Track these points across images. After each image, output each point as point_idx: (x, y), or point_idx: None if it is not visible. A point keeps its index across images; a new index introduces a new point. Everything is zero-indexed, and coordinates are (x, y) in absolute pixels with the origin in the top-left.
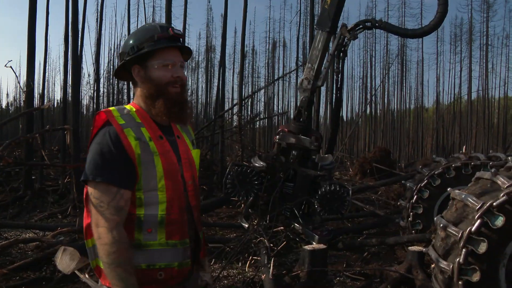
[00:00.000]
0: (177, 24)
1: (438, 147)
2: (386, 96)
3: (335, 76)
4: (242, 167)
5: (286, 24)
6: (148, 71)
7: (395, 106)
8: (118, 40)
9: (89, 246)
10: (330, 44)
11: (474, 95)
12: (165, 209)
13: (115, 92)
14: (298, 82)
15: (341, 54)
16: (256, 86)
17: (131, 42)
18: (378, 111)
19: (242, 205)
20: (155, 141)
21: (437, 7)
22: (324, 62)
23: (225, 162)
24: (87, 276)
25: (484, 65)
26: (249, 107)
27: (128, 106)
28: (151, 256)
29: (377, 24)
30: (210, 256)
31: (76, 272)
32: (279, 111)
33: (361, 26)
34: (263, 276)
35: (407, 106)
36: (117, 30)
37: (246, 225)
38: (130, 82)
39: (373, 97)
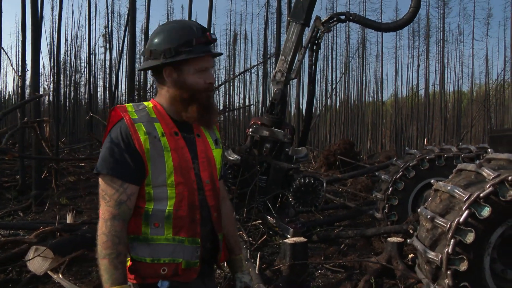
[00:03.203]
0: (138, 15)
1: (397, 139)
2: (346, 89)
3: (308, 69)
4: None
5: (248, 17)
6: (183, 75)
7: (355, 99)
8: (76, 31)
9: None
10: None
11: (431, 89)
12: (173, 204)
13: (73, 84)
14: (271, 74)
15: (315, 46)
16: (217, 79)
17: (165, 43)
18: (338, 104)
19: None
20: (168, 137)
21: (411, 2)
22: (298, 55)
23: None
24: (60, 276)
25: (440, 60)
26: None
27: (146, 103)
28: (156, 250)
29: (351, 17)
30: None
31: (49, 272)
32: (240, 104)
33: (335, 19)
34: None
35: (367, 99)
36: (74, 20)
37: None
38: (153, 77)
39: (334, 90)
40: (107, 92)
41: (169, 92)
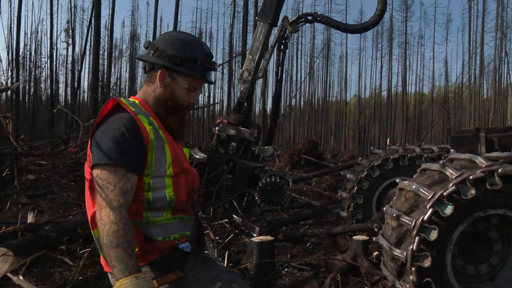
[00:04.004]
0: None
1: (360, 139)
2: (310, 89)
3: (275, 68)
4: None
5: (214, 15)
6: (174, 84)
7: (319, 99)
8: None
9: (96, 236)
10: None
11: (393, 90)
12: (172, 191)
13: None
14: (238, 73)
15: (282, 46)
16: None
17: (175, 49)
18: (302, 103)
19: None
20: (162, 131)
21: (377, 5)
22: (265, 54)
23: None
24: (21, 277)
25: (402, 62)
26: None
27: (131, 99)
28: (163, 228)
29: (318, 18)
30: None
31: (9, 274)
32: (205, 102)
33: (302, 19)
34: None
35: (331, 99)
36: (35, 13)
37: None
38: (145, 69)
39: (298, 90)
40: (69, 88)
41: (155, 92)
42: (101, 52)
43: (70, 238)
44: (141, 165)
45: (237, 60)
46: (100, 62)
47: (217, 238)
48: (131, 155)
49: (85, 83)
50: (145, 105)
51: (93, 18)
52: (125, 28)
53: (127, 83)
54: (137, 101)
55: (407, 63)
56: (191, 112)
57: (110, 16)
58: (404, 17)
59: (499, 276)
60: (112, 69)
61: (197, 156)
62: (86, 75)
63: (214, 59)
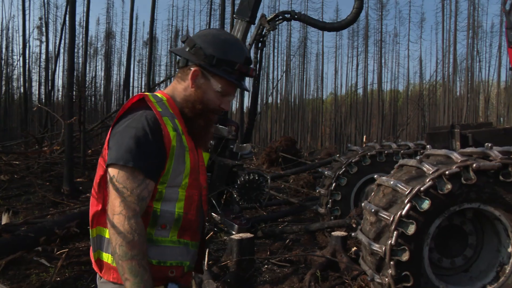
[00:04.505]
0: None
1: (337, 136)
2: (287, 87)
3: (252, 66)
4: None
5: (190, 13)
6: (207, 86)
7: (296, 97)
8: (7, 20)
9: (93, 236)
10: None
11: (369, 88)
12: (183, 207)
13: (4, 78)
14: None
15: (260, 44)
16: (158, 75)
17: (214, 49)
18: (279, 101)
19: None
20: (185, 136)
21: (354, 3)
22: None
23: None
24: None
25: (378, 60)
26: None
27: (158, 94)
28: (162, 252)
29: (296, 16)
30: None
31: None
32: None
33: (280, 17)
34: None
35: (307, 97)
36: (5, 9)
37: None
38: (178, 64)
39: (275, 88)
40: (43, 87)
41: (186, 91)
42: (75, 50)
43: (47, 238)
44: (160, 171)
45: None
46: (75, 60)
47: None
48: (152, 159)
49: (59, 82)
50: (172, 103)
51: (67, 15)
52: (100, 25)
53: (102, 82)
54: (164, 98)
55: (383, 61)
56: None
57: (85, 13)
58: (380, 15)
59: (473, 268)
60: (87, 67)
61: None
62: (61, 73)
63: (253, 68)
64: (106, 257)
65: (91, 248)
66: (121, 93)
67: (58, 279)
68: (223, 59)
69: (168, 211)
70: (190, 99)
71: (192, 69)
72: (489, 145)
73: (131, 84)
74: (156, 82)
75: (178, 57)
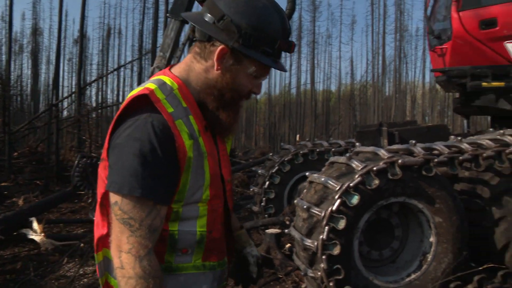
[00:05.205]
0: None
1: (271, 136)
2: None
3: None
4: (91, 158)
5: (123, 11)
6: (238, 69)
7: None
8: None
9: (100, 260)
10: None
11: (302, 88)
12: (206, 225)
13: None
14: (149, 71)
15: (194, 44)
16: (90, 74)
17: (248, 23)
18: None
19: (90, 198)
20: (203, 136)
21: (287, 4)
22: (176, 52)
23: (71, 155)
24: None
25: (311, 60)
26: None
27: (167, 80)
28: (185, 282)
29: None
30: (64, 256)
31: None
32: (114, 101)
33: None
34: None
35: None
36: None
37: (94, 219)
38: (193, 31)
39: None
40: None
41: (208, 73)
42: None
43: None
44: (173, 192)
45: (147, 57)
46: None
47: None
48: (162, 181)
49: None
50: (186, 91)
51: None
52: (26, 21)
53: (29, 81)
54: (175, 86)
55: (315, 62)
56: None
57: (8, 7)
58: (313, 17)
59: (399, 259)
60: (12, 65)
61: None
62: None
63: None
64: (115, 282)
65: (97, 271)
66: (50, 92)
67: None
68: (262, 37)
69: (189, 232)
70: (216, 85)
71: (220, 46)
72: (413, 142)
73: (60, 84)
74: (88, 81)
75: (193, 25)
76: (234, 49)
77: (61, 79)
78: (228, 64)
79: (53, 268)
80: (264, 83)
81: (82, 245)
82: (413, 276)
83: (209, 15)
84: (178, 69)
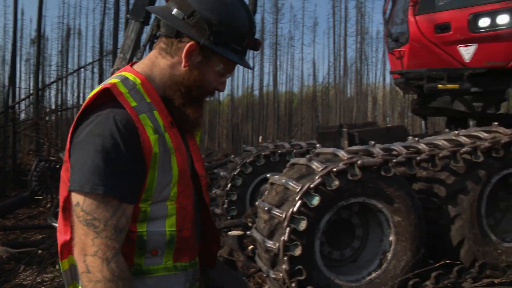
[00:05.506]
0: None
1: (234, 137)
2: None
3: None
4: (50, 162)
5: (83, 11)
6: (206, 66)
7: None
8: None
9: (65, 268)
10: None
11: (265, 89)
12: (175, 224)
13: None
14: (110, 72)
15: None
16: (48, 75)
17: (218, 19)
18: None
19: (49, 203)
20: (168, 132)
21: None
22: (137, 53)
23: (29, 158)
24: None
25: (273, 62)
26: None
27: (129, 76)
28: (156, 285)
29: None
30: (21, 263)
31: None
32: (74, 103)
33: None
34: None
35: None
36: None
37: (57, 225)
38: (158, 26)
39: None
40: None
41: (175, 70)
42: None
43: None
44: (139, 190)
45: (108, 59)
46: None
47: None
48: (127, 178)
49: None
50: (149, 87)
51: None
52: None
53: None
54: (138, 81)
55: (278, 63)
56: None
57: None
58: (275, 19)
59: (360, 258)
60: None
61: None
62: None
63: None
64: None
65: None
66: (5, 94)
67: None
68: (232, 35)
69: (158, 232)
70: (183, 81)
71: (189, 43)
72: (372, 143)
73: (17, 85)
74: (46, 83)
75: (159, 18)
76: (203, 46)
77: (18, 80)
78: (196, 60)
79: (8, 277)
80: (227, 85)
81: (39, 251)
82: (373, 274)
83: (177, 10)
84: (141, 65)
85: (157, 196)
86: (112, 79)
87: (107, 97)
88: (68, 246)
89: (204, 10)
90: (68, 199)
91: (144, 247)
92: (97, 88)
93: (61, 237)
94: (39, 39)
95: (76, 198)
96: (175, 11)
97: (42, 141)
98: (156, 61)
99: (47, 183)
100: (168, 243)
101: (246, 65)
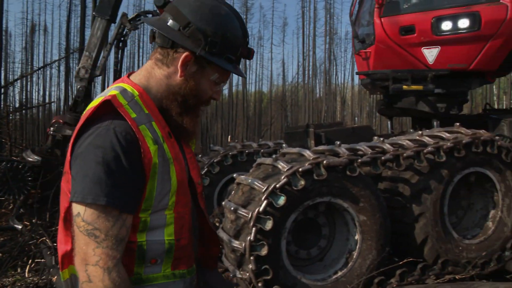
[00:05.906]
0: None
1: (202, 137)
2: None
3: (113, 66)
4: (12, 162)
5: (48, 6)
6: (201, 76)
7: None
8: None
9: (66, 277)
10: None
11: (234, 89)
12: (173, 233)
13: None
14: (75, 70)
15: (121, 43)
16: (12, 73)
17: (214, 31)
18: None
19: (12, 205)
20: (167, 142)
21: None
22: (103, 51)
23: None
24: None
25: (243, 61)
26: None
27: (127, 87)
28: None
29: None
30: None
31: None
32: (40, 101)
33: (142, 17)
34: (54, 278)
35: None
36: None
37: (20, 227)
38: (153, 37)
39: None
40: None
41: (171, 80)
42: None
43: None
44: (139, 200)
45: (74, 56)
46: None
47: (55, 244)
48: (127, 189)
49: None
50: (147, 98)
51: None
52: None
53: None
54: (136, 93)
55: (247, 63)
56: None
57: None
58: (245, 19)
59: (327, 257)
60: None
61: (30, 159)
62: None
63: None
64: None
65: None
66: None
67: None
68: (227, 45)
69: (157, 242)
70: (179, 91)
71: (184, 53)
72: (338, 143)
73: None
74: (10, 80)
75: (154, 29)
76: (198, 56)
77: None
78: (191, 70)
79: None
80: None
81: (0, 254)
82: (339, 273)
83: (172, 21)
84: (137, 76)
85: (156, 205)
86: (112, 91)
87: (107, 109)
88: (69, 256)
89: (199, 21)
90: (69, 210)
91: (144, 257)
92: (97, 100)
93: (62, 247)
94: (1, 34)
95: (77, 208)
96: (170, 22)
97: (3, 140)
98: (152, 72)
99: (9, 184)
100: (167, 251)
101: (240, 74)
